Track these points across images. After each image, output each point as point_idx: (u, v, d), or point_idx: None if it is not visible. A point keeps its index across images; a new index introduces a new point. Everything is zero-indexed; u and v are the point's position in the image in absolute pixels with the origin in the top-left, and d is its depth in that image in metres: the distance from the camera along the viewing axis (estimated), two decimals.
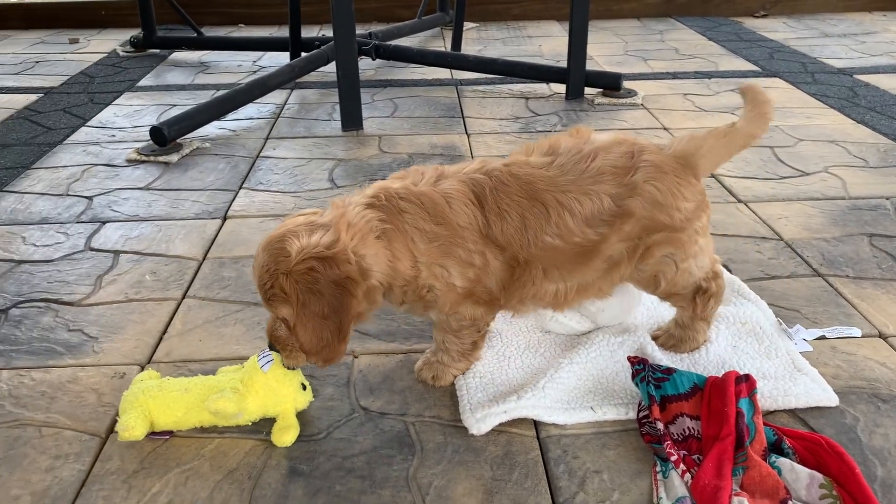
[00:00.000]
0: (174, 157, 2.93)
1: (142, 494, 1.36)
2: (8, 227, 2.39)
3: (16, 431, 1.51)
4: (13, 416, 1.55)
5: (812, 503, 1.29)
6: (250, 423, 1.50)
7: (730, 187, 2.61)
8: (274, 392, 1.48)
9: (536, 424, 1.51)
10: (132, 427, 1.41)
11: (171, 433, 1.48)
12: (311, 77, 4.00)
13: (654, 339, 1.70)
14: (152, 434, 1.47)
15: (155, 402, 1.45)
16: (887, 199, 2.51)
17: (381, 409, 1.56)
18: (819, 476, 1.31)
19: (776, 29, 5.16)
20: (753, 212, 2.43)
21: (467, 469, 1.40)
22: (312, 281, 1.34)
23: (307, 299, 1.35)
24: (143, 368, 1.70)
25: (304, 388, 1.53)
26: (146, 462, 1.43)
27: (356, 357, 1.72)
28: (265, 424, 1.50)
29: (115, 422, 1.52)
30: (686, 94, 3.71)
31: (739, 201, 2.51)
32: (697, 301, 1.60)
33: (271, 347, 1.48)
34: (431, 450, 1.45)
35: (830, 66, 4.18)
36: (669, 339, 1.70)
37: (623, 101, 3.57)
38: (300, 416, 1.52)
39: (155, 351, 1.76)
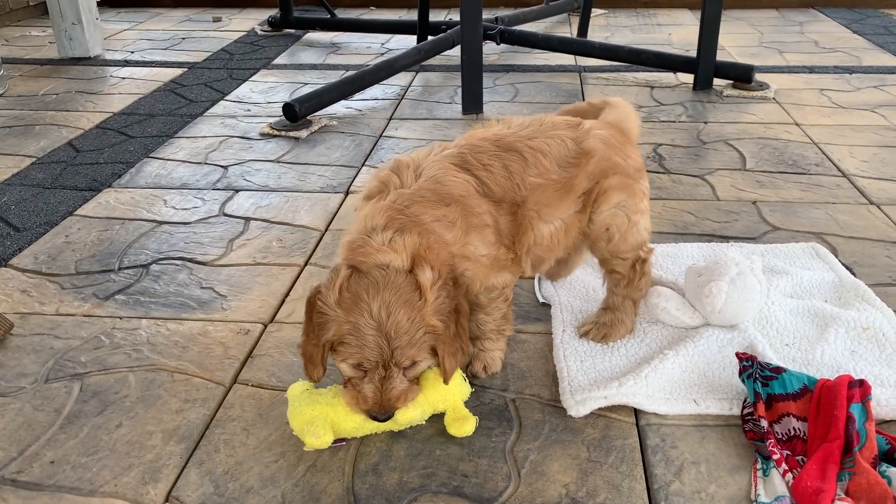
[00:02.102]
0: (303, 133, 3.08)
1: (259, 441, 1.47)
2: (152, 191, 2.60)
3: (151, 375, 1.66)
4: (150, 361, 1.71)
5: None
6: (417, 423, 1.48)
7: (862, 188, 2.49)
8: (441, 388, 1.46)
9: (636, 412, 1.52)
10: (322, 435, 1.40)
11: (345, 440, 1.46)
12: (436, 60, 4.08)
13: (585, 334, 1.73)
14: (335, 441, 1.45)
15: (335, 411, 1.42)
16: None
17: (482, 383, 1.61)
18: None
19: None
20: (886, 215, 2.31)
21: (563, 448, 1.43)
22: (447, 304, 1.39)
23: (448, 323, 1.39)
24: (265, 326, 1.82)
25: (465, 379, 1.52)
26: (264, 413, 1.54)
27: None
28: None
29: (236, 376, 1.65)
30: (822, 90, 3.53)
31: (872, 203, 2.39)
32: (636, 270, 1.68)
33: (375, 418, 1.41)
34: (529, 426, 1.49)
35: None
36: (601, 328, 1.72)
37: (754, 93, 3.45)
38: None
39: (277, 311, 1.89)
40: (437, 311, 1.36)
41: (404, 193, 1.45)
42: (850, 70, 3.84)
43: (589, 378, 1.58)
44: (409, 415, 1.43)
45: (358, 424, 1.43)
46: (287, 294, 1.96)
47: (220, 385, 1.63)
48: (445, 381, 1.43)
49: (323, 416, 1.41)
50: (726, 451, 1.42)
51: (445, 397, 1.47)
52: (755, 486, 1.33)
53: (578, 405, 1.50)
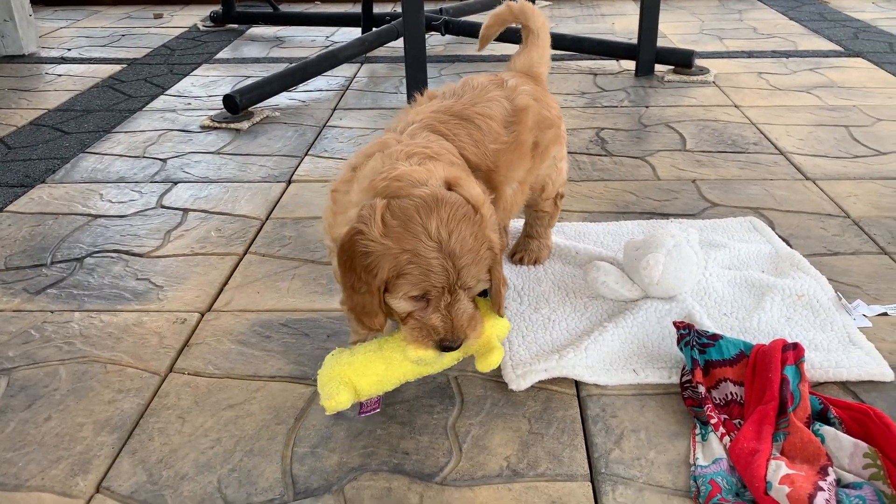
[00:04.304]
0: (245, 125, 3.03)
1: (194, 428, 1.43)
2: (88, 185, 2.53)
3: (83, 367, 1.61)
4: (82, 353, 1.66)
5: (855, 472, 1.26)
6: (456, 362, 1.41)
7: (799, 165, 2.54)
8: (488, 321, 1.38)
9: (577, 384, 1.52)
10: (335, 394, 1.30)
11: (379, 402, 1.39)
12: (381, 52, 4.06)
13: (519, 261, 1.90)
14: (362, 409, 1.38)
15: (352, 368, 1.33)
16: None
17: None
18: (864, 445, 1.28)
19: (864, 9, 4.93)
20: (821, 189, 2.36)
21: (505, 421, 1.43)
22: (496, 222, 1.32)
23: (501, 239, 1.33)
24: (202, 316, 1.78)
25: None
26: (200, 400, 1.51)
27: None
28: (314, 368, 1.56)
29: (174, 363, 1.61)
30: (761, 73, 3.60)
31: (807, 178, 2.44)
32: (557, 204, 1.85)
33: (447, 348, 1.28)
34: (471, 402, 1.48)
35: None
36: (531, 254, 1.90)
37: (694, 78, 3.50)
38: None
39: (215, 301, 1.84)
40: (493, 227, 1.28)
41: (402, 149, 1.37)
42: (787, 54, 3.92)
43: (530, 352, 1.57)
44: (422, 351, 1.29)
45: (380, 377, 1.34)
46: (225, 283, 1.92)
47: (155, 374, 1.58)
48: (500, 311, 1.37)
49: (338, 376, 1.32)
50: (665, 419, 1.42)
51: (491, 328, 1.38)
52: (694, 451, 1.34)
53: (519, 379, 1.49)
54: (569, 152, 2.20)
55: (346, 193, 1.38)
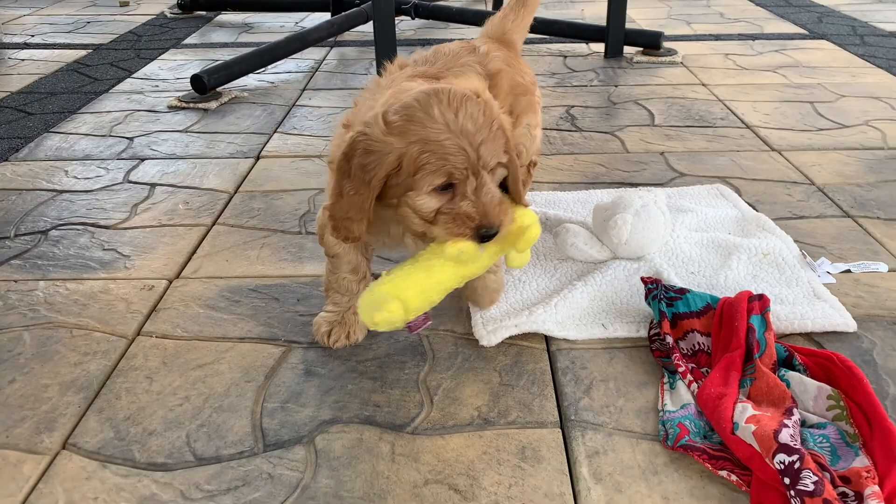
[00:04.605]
0: (213, 104, 3.00)
1: (162, 387, 1.42)
2: (52, 162, 2.49)
3: (49, 332, 1.59)
4: (47, 320, 1.63)
5: (819, 413, 1.29)
6: (495, 261, 1.36)
7: (765, 137, 2.57)
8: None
9: (547, 339, 1.53)
10: (384, 304, 1.23)
11: (428, 317, 1.32)
12: (351, 36, 4.04)
13: None
14: (411, 327, 1.31)
15: (392, 284, 1.25)
16: None
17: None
18: (827, 388, 1.30)
19: None
20: (787, 159, 2.39)
21: (476, 374, 1.43)
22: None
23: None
24: (170, 283, 1.76)
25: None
26: (168, 361, 1.49)
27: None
28: (284, 330, 1.56)
29: (142, 326, 1.59)
30: (728, 55, 3.64)
31: (773, 149, 2.47)
32: (530, 172, 1.74)
33: (486, 237, 1.22)
34: (443, 358, 1.48)
35: (882, 30, 4.06)
36: None
37: (662, 59, 3.53)
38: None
39: (184, 268, 1.83)
40: (499, 109, 1.25)
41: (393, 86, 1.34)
42: (753, 37, 3.97)
43: (501, 310, 1.58)
44: (462, 245, 1.22)
45: (423, 286, 1.26)
46: (194, 252, 1.90)
47: (122, 338, 1.56)
48: (521, 200, 1.33)
49: (384, 293, 1.24)
50: (634, 370, 1.44)
51: (521, 216, 1.30)
52: (662, 398, 1.35)
53: (490, 334, 1.50)
54: None
55: (350, 127, 1.34)
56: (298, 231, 1.99)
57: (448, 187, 1.20)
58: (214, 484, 1.20)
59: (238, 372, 1.45)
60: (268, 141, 2.64)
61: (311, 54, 3.74)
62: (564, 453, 1.24)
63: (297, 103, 3.04)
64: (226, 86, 3.18)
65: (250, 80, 3.32)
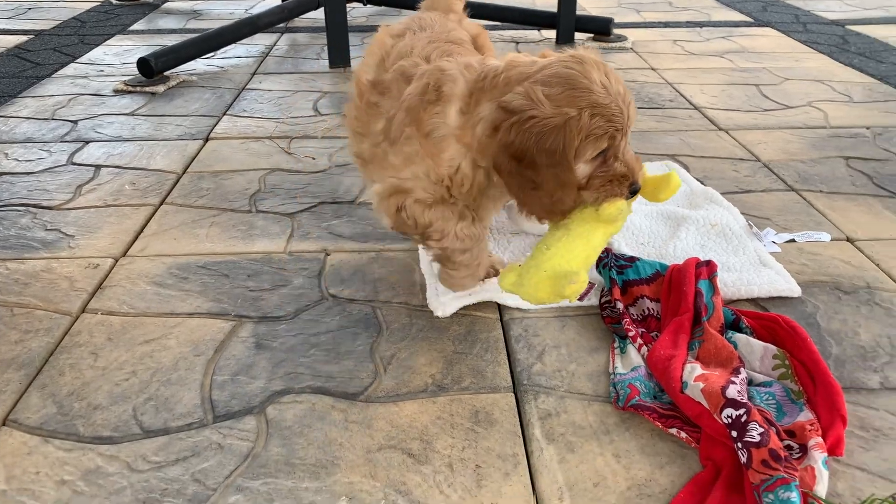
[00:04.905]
0: (160, 88, 2.94)
1: (108, 363, 1.38)
2: None
3: None
4: None
5: (765, 372, 1.31)
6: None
7: (713, 118, 2.62)
8: None
9: (500, 309, 1.53)
10: (573, 274, 1.24)
11: (592, 284, 1.39)
12: (303, 22, 4.00)
13: None
14: (581, 294, 1.34)
15: (557, 257, 1.26)
16: (867, 128, 2.51)
17: (350, 296, 1.58)
18: (773, 348, 1.33)
19: None
20: (734, 138, 2.44)
21: (430, 344, 1.42)
22: None
23: None
24: (116, 261, 1.72)
25: None
26: (114, 337, 1.45)
27: (328, 254, 1.74)
28: (234, 305, 1.53)
29: (86, 305, 1.55)
30: (676, 41, 3.70)
31: (720, 129, 2.52)
32: None
33: (636, 191, 1.27)
34: (396, 329, 1.47)
35: (823, 18, 4.17)
36: None
37: (612, 45, 3.57)
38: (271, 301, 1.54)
39: (130, 247, 1.78)
40: None
41: (458, 61, 1.34)
42: (701, 24, 4.04)
43: None
44: (632, 202, 1.29)
45: (586, 252, 1.27)
46: (141, 231, 1.86)
47: (66, 315, 1.52)
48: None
49: (566, 266, 1.25)
50: (586, 336, 1.45)
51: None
52: (613, 361, 1.36)
53: (444, 305, 1.50)
54: None
55: (434, 135, 1.29)
56: (248, 210, 1.96)
57: (602, 151, 1.20)
58: (162, 455, 1.17)
59: (187, 346, 1.43)
60: (217, 123, 2.59)
61: (262, 39, 3.69)
62: (517, 416, 1.25)
63: (247, 87, 3.00)
64: (174, 70, 3.12)
65: (199, 65, 3.26)
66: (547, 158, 1.16)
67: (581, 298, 1.35)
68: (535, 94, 1.15)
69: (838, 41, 3.67)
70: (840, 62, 3.30)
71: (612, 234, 1.31)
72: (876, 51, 3.49)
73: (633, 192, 1.24)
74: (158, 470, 1.15)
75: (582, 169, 1.20)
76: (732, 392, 1.17)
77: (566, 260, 1.25)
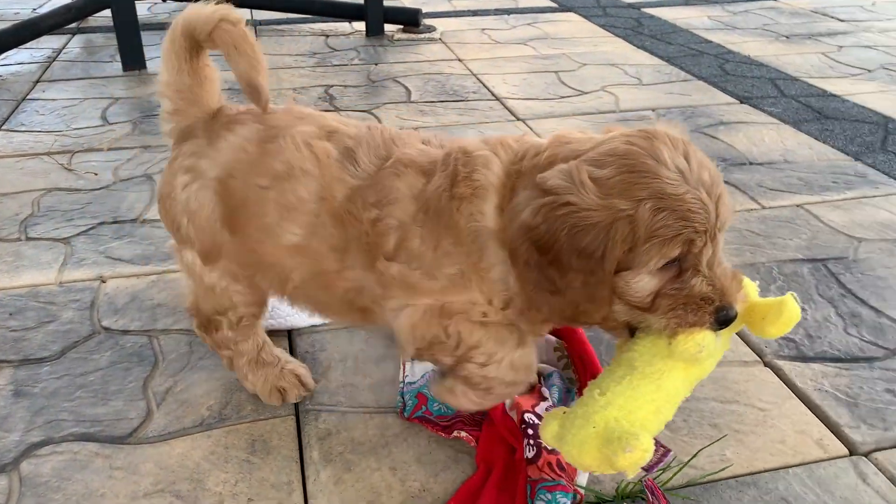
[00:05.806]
0: None
1: None
2: None
3: None
4: None
5: (552, 363, 1.35)
6: (726, 349, 1.01)
7: (512, 108, 2.68)
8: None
9: (290, 332, 1.49)
10: (632, 439, 0.89)
11: (667, 450, 1.03)
12: (98, 21, 3.74)
13: None
14: (651, 465, 1.01)
15: (617, 406, 0.94)
16: (653, 110, 2.67)
17: (124, 326, 1.49)
18: (554, 340, 1.37)
19: None
20: (530, 127, 2.51)
21: (209, 373, 1.36)
22: None
23: None
24: None
25: None
26: None
27: (104, 281, 1.63)
28: None
29: None
30: (484, 29, 3.77)
31: (519, 119, 2.59)
32: None
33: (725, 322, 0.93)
34: (174, 360, 1.40)
35: (621, 1, 4.39)
36: None
37: (422, 36, 3.58)
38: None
39: None
40: None
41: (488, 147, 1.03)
42: (509, 11, 4.14)
43: None
44: (726, 336, 0.97)
45: (656, 403, 0.95)
46: None
47: None
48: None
49: (622, 425, 0.92)
50: (374, 345, 1.44)
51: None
52: (403, 370, 1.36)
53: None
54: None
55: (476, 244, 0.97)
56: (17, 238, 1.80)
57: (674, 261, 0.90)
58: None
59: None
60: None
61: (49, 42, 3.41)
62: (297, 440, 1.22)
63: (27, 97, 2.76)
64: None
65: None
66: (578, 261, 0.88)
67: (648, 469, 1.00)
68: (578, 175, 0.88)
69: (633, 24, 3.87)
70: (634, 45, 3.49)
71: (699, 379, 0.99)
72: (666, 32, 3.71)
73: (723, 321, 0.92)
74: None
75: (644, 282, 0.90)
76: (540, 408, 1.20)
77: (625, 412, 0.93)
